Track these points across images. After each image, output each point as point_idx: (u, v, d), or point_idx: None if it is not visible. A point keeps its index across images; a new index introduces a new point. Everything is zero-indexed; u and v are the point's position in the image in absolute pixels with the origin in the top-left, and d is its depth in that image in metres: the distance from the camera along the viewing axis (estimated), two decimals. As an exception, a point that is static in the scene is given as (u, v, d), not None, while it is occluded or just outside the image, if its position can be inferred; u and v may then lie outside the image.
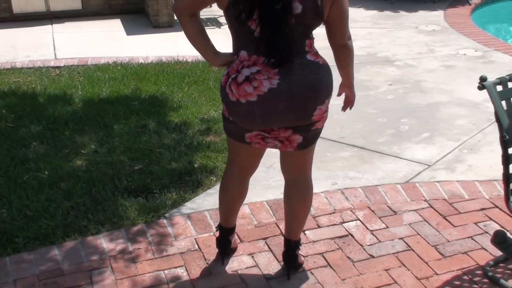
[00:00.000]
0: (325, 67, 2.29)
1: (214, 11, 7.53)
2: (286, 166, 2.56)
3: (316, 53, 2.29)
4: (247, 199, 3.23)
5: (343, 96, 2.60)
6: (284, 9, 2.07)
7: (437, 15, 7.38)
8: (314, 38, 2.28)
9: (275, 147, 2.41)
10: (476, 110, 4.48)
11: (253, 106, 2.19)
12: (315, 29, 2.24)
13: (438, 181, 3.46)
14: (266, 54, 2.15)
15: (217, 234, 2.79)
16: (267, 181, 3.45)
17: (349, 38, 2.31)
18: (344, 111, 2.63)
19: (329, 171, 3.58)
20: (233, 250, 2.83)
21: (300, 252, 2.73)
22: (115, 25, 6.87)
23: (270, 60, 2.15)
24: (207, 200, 3.25)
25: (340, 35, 2.28)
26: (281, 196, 2.80)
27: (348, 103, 2.60)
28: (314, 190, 3.33)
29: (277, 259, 2.80)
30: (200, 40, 2.28)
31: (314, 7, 2.13)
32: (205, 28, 6.81)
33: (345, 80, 2.50)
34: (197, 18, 2.28)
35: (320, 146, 3.89)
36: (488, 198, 3.30)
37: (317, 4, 2.13)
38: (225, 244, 2.74)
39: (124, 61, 5.53)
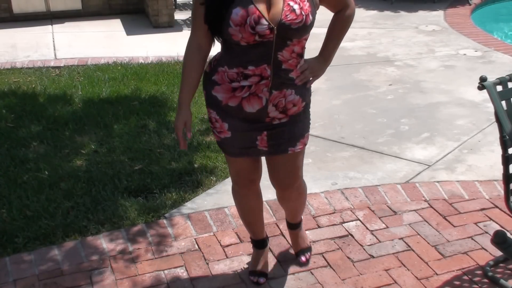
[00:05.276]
0: None
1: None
2: None
3: None
4: (247, 199, 3.23)
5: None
6: None
7: (437, 15, 7.38)
8: None
9: None
10: (476, 110, 4.48)
11: None
12: None
13: (438, 181, 3.46)
14: None
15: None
16: (267, 181, 3.44)
17: None
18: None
19: (329, 171, 3.58)
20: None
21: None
22: (115, 25, 6.87)
23: None
24: (207, 200, 3.25)
25: None
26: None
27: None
28: (315, 190, 3.36)
29: (277, 259, 2.80)
30: None
31: None
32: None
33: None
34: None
35: (320, 146, 3.91)
36: (488, 198, 3.30)
37: None
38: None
39: (124, 61, 5.53)
